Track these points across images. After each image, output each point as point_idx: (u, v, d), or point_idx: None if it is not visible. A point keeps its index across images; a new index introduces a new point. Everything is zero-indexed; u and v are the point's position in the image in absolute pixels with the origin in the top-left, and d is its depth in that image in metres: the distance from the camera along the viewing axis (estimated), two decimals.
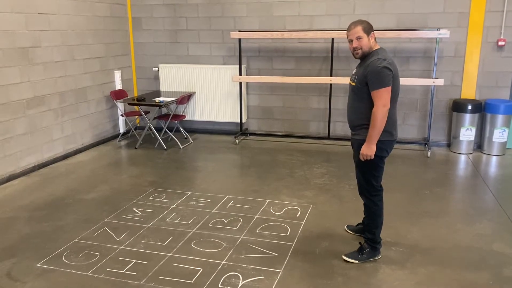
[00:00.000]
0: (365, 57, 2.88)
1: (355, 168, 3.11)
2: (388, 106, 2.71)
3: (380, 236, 3.14)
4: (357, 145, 2.94)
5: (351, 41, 2.88)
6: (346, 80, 5.85)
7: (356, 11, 5.83)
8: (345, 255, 3.10)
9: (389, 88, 2.71)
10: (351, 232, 3.48)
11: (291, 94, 6.38)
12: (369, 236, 3.10)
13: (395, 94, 2.82)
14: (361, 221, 3.43)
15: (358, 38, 2.83)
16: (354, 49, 2.88)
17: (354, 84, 2.93)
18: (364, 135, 2.86)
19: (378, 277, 2.90)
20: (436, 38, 5.43)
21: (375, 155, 2.85)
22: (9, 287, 2.83)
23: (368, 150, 2.82)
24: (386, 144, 2.89)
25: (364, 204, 3.20)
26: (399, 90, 2.86)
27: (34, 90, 4.99)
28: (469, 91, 5.74)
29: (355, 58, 2.96)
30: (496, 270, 2.98)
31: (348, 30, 2.90)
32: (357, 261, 3.05)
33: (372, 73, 2.74)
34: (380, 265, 3.04)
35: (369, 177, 3.00)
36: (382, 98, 2.69)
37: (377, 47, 2.90)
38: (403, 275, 2.92)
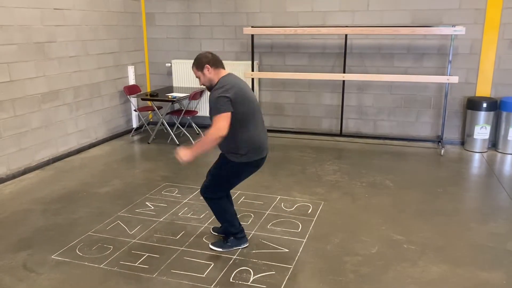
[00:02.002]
0: (211, 88, 2.95)
1: (210, 171, 3.14)
2: (224, 132, 2.72)
3: (242, 225, 3.22)
4: (221, 157, 3.04)
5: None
6: (359, 77, 5.83)
7: (370, 7, 5.79)
8: (211, 244, 3.21)
9: (226, 114, 2.73)
10: (216, 234, 3.39)
11: (304, 90, 6.36)
12: (227, 231, 3.20)
13: (246, 116, 2.83)
14: None
15: (198, 77, 2.98)
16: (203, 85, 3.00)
17: (210, 114, 2.94)
18: (229, 157, 2.93)
19: (390, 274, 2.89)
20: (451, 35, 5.36)
21: (233, 172, 2.96)
22: (25, 278, 2.88)
23: (184, 154, 2.84)
24: (247, 164, 2.94)
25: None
26: (253, 110, 2.88)
27: (49, 84, 5.05)
28: (484, 89, 5.66)
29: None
30: (510, 269, 2.95)
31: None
32: (221, 249, 3.16)
33: (211, 103, 2.83)
34: (392, 263, 3.03)
35: (218, 185, 3.04)
36: (217, 122, 2.73)
37: (222, 75, 2.93)
38: (415, 273, 2.91)
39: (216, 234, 3.40)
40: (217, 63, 2.94)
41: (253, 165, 3.00)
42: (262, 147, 2.95)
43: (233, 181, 3.09)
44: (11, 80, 4.54)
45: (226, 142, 2.84)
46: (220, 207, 3.12)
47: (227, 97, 2.76)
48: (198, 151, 2.80)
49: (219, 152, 3.08)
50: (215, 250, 3.17)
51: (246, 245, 3.22)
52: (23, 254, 3.17)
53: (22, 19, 4.63)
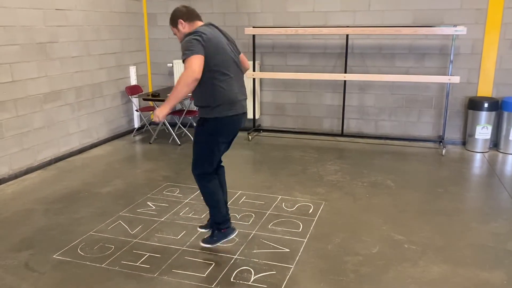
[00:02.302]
0: None
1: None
2: (196, 73, 2.48)
3: (229, 215, 3.08)
4: (197, 122, 2.85)
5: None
6: (360, 77, 5.83)
7: (371, 7, 5.79)
8: (201, 240, 3.14)
9: (198, 56, 2.51)
10: (204, 230, 3.25)
11: (305, 90, 6.37)
12: (213, 221, 3.05)
13: (218, 67, 2.62)
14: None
15: (174, 34, 2.84)
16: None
17: None
18: (201, 114, 2.75)
19: (390, 274, 2.90)
20: (453, 35, 5.36)
21: (208, 133, 2.74)
22: (27, 277, 2.90)
23: (159, 111, 2.62)
24: (221, 122, 2.70)
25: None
26: (227, 63, 2.67)
27: (51, 85, 5.07)
28: (485, 89, 5.66)
29: None
30: (510, 269, 2.95)
31: None
32: (209, 245, 3.10)
33: (182, 48, 2.62)
34: (393, 263, 3.03)
35: (201, 157, 2.85)
36: (189, 65, 2.49)
37: (195, 27, 2.73)
38: (415, 273, 2.91)
39: (204, 230, 3.24)
40: (191, 16, 2.76)
41: (228, 123, 2.75)
42: (235, 102, 2.71)
43: (213, 146, 2.82)
44: (13, 80, 4.56)
45: (199, 93, 2.67)
46: (207, 188, 2.95)
47: (198, 40, 2.55)
48: (173, 101, 2.59)
49: None
50: (204, 246, 3.12)
51: (233, 235, 3.09)
52: (25, 253, 3.18)
53: (24, 19, 4.65)
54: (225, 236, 3.09)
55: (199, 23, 2.77)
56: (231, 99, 2.71)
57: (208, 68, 2.58)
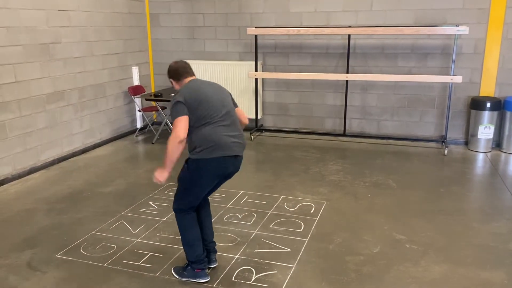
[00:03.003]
0: None
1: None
2: (181, 135, 2.67)
3: (205, 259, 2.89)
4: (186, 161, 2.87)
5: None
6: (362, 77, 5.83)
7: (373, 7, 5.79)
8: (173, 268, 2.97)
9: (182, 118, 2.70)
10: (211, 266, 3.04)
11: (307, 90, 6.37)
12: (187, 258, 2.90)
13: (203, 117, 2.74)
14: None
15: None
16: None
17: None
18: (191, 155, 2.80)
19: (392, 274, 2.90)
20: (455, 34, 5.35)
21: (190, 172, 2.79)
22: (30, 276, 2.91)
23: (159, 175, 2.78)
24: (204, 163, 2.75)
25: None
26: (212, 111, 2.76)
27: (54, 85, 5.09)
28: (488, 89, 5.65)
29: None
30: (511, 269, 2.95)
31: None
32: (177, 277, 2.89)
33: (170, 108, 2.83)
34: (394, 262, 3.03)
35: (181, 194, 2.86)
36: (175, 128, 2.70)
37: (183, 84, 2.91)
38: (416, 273, 2.91)
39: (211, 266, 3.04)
40: (178, 76, 2.93)
41: (211, 165, 2.76)
42: (222, 145, 2.75)
43: (193, 186, 2.83)
44: (16, 81, 4.59)
45: (188, 142, 2.80)
46: (182, 222, 2.86)
47: (180, 101, 2.73)
48: (169, 164, 2.74)
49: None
50: (173, 274, 2.93)
51: (204, 280, 2.83)
52: (28, 253, 3.20)
53: (28, 20, 4.67)
54: (195, 277, 2.84)
55: (187, 80, 2.92)
56: (216, 142, 2.75)
57: (194, 120, 2.74)
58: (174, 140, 2.68)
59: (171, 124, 2.81)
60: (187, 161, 2.83)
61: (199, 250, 2.85)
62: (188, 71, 2.94)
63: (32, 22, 4.73)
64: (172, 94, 5.97)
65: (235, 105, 3.01)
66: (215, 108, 2.79)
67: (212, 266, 2.98)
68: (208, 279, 2.84)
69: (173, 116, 2.74)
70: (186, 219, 2.85)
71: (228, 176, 2.89)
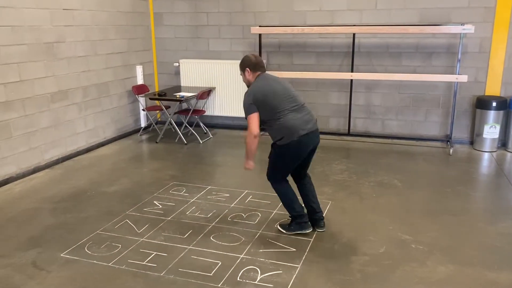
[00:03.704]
0: None
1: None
2: (255, 132, 3.17)
3: (304, 212, 3.43)
4: (272, 145, 3.37)
5: None
6: (367, 76, 5.81)
7: (377, 6, 5.76)
8: (279, 223, 3.53)
9: (253, 115, 3.18)
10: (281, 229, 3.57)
11: (311, 89, 6.35)
12: (289, 214, 3.46)
13: (272, 111, 3.19)
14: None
15: (241, 75, 3.40)
16: None
17: None
18: (277, 142, 3.26)
19: (397, 274, 2.88)
20: (460, 33, 5.32)
21: (277, 155, 3.29)
22: (35, 275, 2.92)
23: (245, 163, 3.35)
24: (286, 148, 3.21)
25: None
26: (278, 104, 3.19)
27: (58, 84, 5.09)
28: (493, 88, 5.62)
29: None
30: None
31: None
32: (284, 231, 3.44)
33: (243, 104, 3.26)
34: (399, 262, 3.02)
35: (274, 169, 3.37)
36: (249, 125, 3.19)
37: (255, 76, 3.32)
38: (422, 273, 2.90)
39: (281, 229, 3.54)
40: (256, 67, 3.31)
41: (292, 148, 3.20)
42: (296, 129, 3.18)
43: (284, 163, 3.30)
44: (21, 80, 4.59)
45: (269, 131, 3.29)
46: (279, 190, 3.40)
47: (251, 100, 3.18)
48: (251, 156, 3.28)
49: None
50: (279, 229, 3.47)
51: (308, 231, 3.41)
52: (33, 252, 3.20)
53: (32, 19, 4.68)
54: (301, 229, 3.40)
55: (259, 73, 3.34)
56: (290, 128, 3.18)
57: (265, 113, 3.21)
58: (249, 136, 3.20)
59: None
60: (272, 145, 3.33)
61: (298, 206, 3.40)
62: (263, 66, 3.38)
63: (36, 21, 4.73)
64: (176, 94, 5.97)
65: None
66: (283, 98, 3.22)
67: (321, 231, 3.45)
68: (311, 229, 3.42)
69: (246, 113, 3.21)
70: (280, 185, 3.39)
71: (313, 149, 3.36)
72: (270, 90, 3.23)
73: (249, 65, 3.31)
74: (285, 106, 3.21)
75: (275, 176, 3.39)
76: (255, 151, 3.25)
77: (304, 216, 3.41)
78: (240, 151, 5.63)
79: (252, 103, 3.18)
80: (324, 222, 3.49)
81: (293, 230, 3.42)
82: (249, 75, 3.32)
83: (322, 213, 3.52)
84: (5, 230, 3.55)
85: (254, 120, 3.18)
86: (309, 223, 3.43)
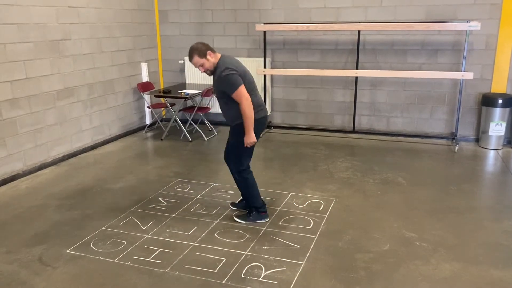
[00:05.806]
0: (214, 71, 3.36)
1: (229, 148, 3.57)
2: (249, 98, 3.22)
3: (265, 202, 3.65)
4: (232, 130, 3.46)
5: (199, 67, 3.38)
6: (372, 73, 5.79)
7: (383, 2, 5.74)
8: (236, 216, 3.63)
9: (242, 86, 3.22)
10: (236, 208, 3.81)
11: (316, 87, 6.34)
12: (252, 206, 3.60)
13: (249, 85, 3.30)
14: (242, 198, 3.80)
15: (201, 65, 3.34)
16: (205, 72, 3.40)
17: (215, 94, 3.45)
18: (240, 123, 3.30)
19: (402, 272, 2.88)
20: (466, 30, 5.29)
21: (238, 139, 3.35)
22: (41, 271, 2.94)
23: (249, 138, 3.31)
24: (255, 124, 3.29)
25: (236, 181, 3.61)
26: (251, 80, 3.37)
27: (64, 81, 5.12)
28: (500, 85, 5.58)
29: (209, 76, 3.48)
30: None
31: (190, 60, 3.39)
32: (243, 222, 3.55)
33: (223, 83, 3.26)
34: (404, 260, 3.01)
35: (242, 154, 3.46)
36: (241, 95, 3.21)
37: (218, 58, 3.34)
38: (427, 271, 2.89)
39: (235, 208, 3.80)
40: (213, 49, 3.35)
41: (260, 123, 3.38)
42: (263, 107, 3.44)
43: (250, 149, 3.42)
44: (27, 78, 4.62)
45: (234, 112, 3.30)
46: (248, 182, 3.53)
47: (236, 72, 3.23)
48: (251, 125, 3.26)
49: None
50: (239, 222, 3.56)
51: (267, 220, 3.59)
52: (39, 248, 3.23)
53: (38, 17, 4.70)
54: (261, 218, 3.57)
55: (218, 54, 3.37)
56: (261, 105, 3.41)
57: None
58: (246, 102, 3.22)
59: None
60: (234, 129, 3.39)
61: (261, 198, 3.60)
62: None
63: (42, 19, 4.75)
64: (180, 91, 5.97)
65: None
66: (251, 77, 3.38)
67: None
68: (268, 219, 3.60)
69: (235, 86, 3.21)
70: (250, 175, 3.54)
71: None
72: (242, 66, 3.37)
73: (209, 48, 3.32)
74: (252, 84, 3.38)
75: (244, 162, 3.49)
76: (253, 118, 3.29)
77: (265, 206, 3.63)
78: None
79: (238, 75, 3.24)
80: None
81: (253, 220, 3.56)
82: (212, 57, 3.32)
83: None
84: (11, 226, 3.59)
85: (244, 89, 3.24)
86: (267, 212, 3.63)
